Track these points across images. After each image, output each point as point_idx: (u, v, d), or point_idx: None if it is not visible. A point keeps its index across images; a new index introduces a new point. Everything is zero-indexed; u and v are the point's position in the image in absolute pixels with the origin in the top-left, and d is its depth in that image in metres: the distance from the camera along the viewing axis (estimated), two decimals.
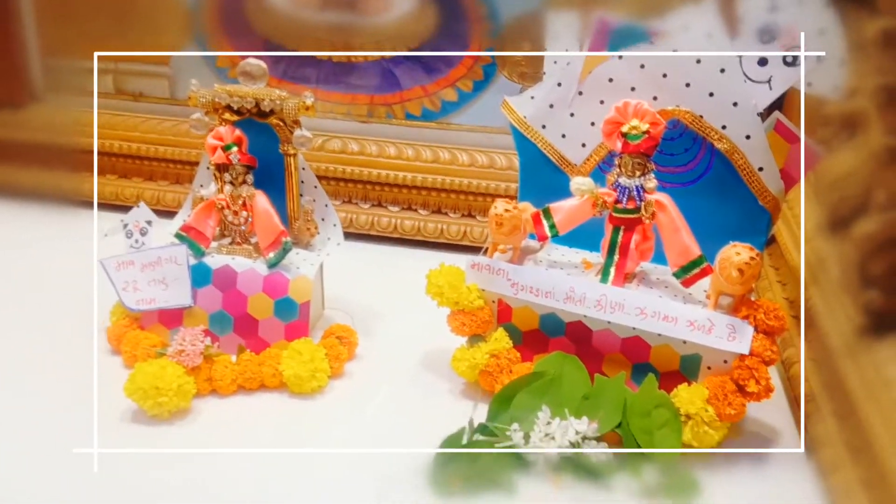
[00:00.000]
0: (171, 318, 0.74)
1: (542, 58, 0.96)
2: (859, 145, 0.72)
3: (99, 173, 1.06)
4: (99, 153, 1.05)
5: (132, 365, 0.71)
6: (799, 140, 0.66)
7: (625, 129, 0.65)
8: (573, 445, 0.60)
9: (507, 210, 0.68)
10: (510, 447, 0.60)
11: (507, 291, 0.69)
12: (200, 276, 0.73)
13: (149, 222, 0.74)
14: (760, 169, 0.66)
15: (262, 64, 0.73)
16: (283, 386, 0.70)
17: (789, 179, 0.68)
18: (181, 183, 1.06)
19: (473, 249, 1.00)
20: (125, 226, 0.75)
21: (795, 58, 0.63)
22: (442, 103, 1.00)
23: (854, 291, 0.59)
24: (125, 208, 0.77)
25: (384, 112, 1.01)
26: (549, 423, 0.62)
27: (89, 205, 1.04)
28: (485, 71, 0.98)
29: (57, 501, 0.59)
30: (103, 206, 1.05)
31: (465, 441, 0.62)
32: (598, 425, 0.61)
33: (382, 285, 0.88)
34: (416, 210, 1.01)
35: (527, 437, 0.61)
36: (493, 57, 0.97)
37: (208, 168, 0.77)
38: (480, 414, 0.65)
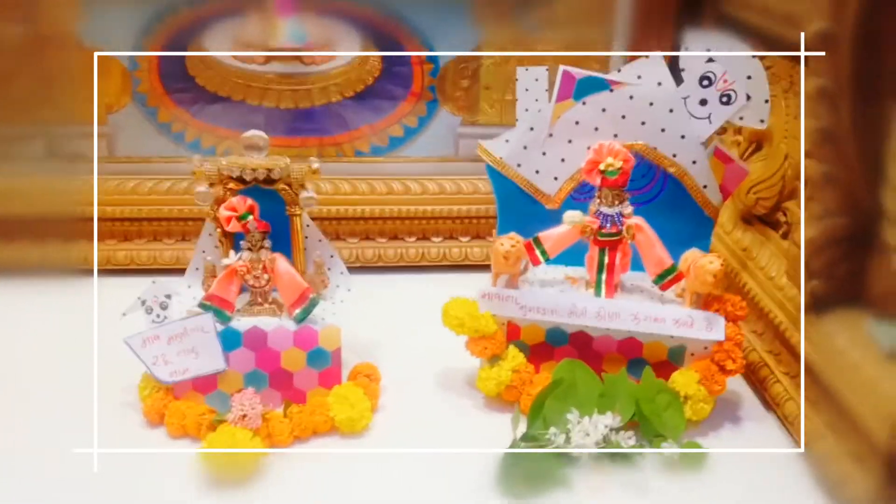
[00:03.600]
0: (206, 385, 0.78)
1: (478, 93, 1.09)
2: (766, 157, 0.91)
3: (39, 238, 1.04)
4: (40, 219, 1.02)
5: (178, 435, 0.75)
6: (732, 161, 0.83)
7: (602, 166, 0.78)
8: (605, 438, 0.73)
9: (512, 245, 0.79)
10: (558, 448, 0.72)
11: (517, 314, 0.81)
12: (230, 340, 0.77)
13: (168, 296, 0.77)
14: (705, 186, 0.82)
15: (265, 135, 0.78)
16: (333, 430, 0.76)
17: (726, 192, 0.84)
18: (130, 240, 1.06)
19: (433, 269, 1.12)
20: (143, 302, 0.77)
21: (729, 98, 0.79)
22: (389, 139, 1.08)
23: (797, 279, 0.77)
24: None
25: (334, 152, 1.07)
26: (579, 422, 0.74)
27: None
28: (428, 107, 1.07)
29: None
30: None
31: (517, 450, 0.73)
32: (619, 418, 0.75)
33: (368, 315, 0.92)
34: (373, 239, 1.09)
35: (567, 438, 0.73)
36: (434, 94, 1.06)
37: (210, 235, 0.81)
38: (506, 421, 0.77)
